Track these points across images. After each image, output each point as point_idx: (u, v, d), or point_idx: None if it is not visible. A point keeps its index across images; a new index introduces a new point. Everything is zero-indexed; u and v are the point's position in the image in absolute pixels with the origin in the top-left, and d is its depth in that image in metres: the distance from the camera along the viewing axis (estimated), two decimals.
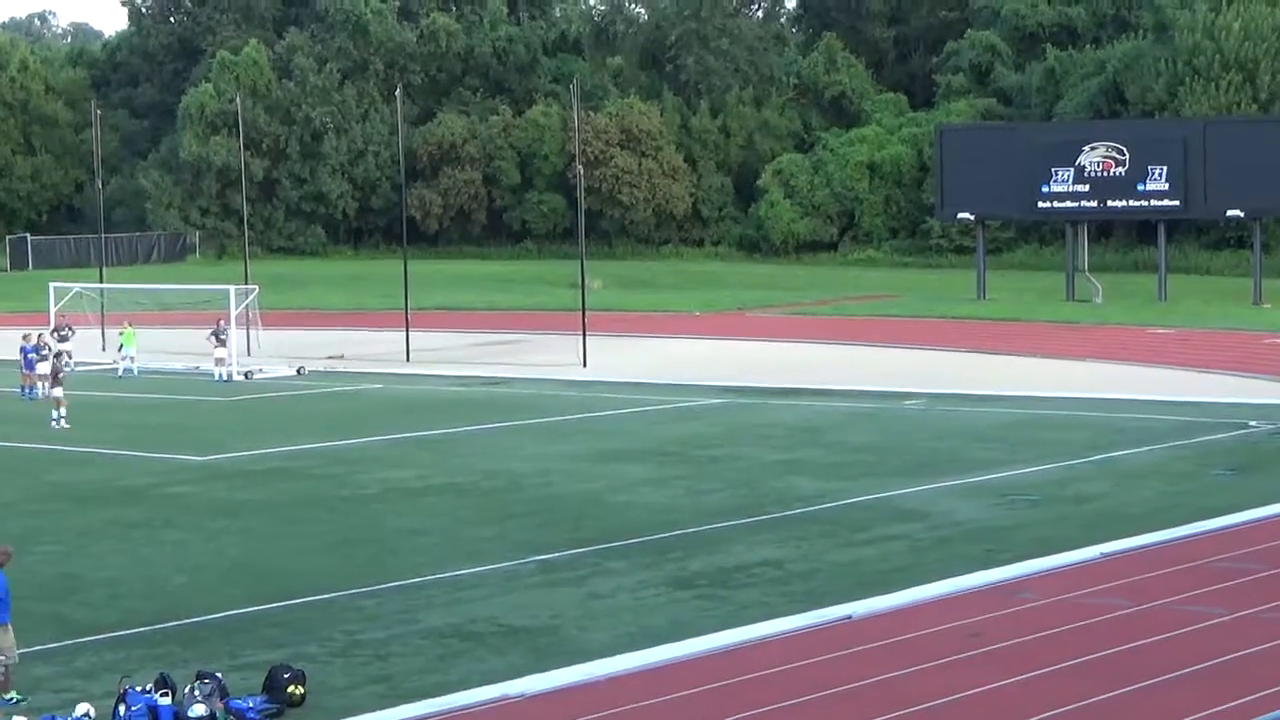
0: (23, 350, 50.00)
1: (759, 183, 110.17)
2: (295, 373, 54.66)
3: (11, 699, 19.19)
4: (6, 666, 19.52)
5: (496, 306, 78.94)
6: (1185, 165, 71.85)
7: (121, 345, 55.55)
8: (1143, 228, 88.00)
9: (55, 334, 55.59)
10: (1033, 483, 32.50)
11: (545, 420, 42.84)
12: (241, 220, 73.27)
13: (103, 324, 61.70)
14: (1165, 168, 72.36)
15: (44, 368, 49.02)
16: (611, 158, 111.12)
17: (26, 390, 49.23)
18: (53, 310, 59.62)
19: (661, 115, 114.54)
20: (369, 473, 34.89)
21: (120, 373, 54.17)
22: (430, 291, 76.51)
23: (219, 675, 19.10)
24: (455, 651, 21.18)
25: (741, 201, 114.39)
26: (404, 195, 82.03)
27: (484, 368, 55.45)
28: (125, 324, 57.26)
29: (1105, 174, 73.59)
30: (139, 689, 18.69)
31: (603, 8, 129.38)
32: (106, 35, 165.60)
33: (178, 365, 56.54)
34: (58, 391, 42.92)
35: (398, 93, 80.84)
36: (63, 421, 42.27)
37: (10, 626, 19.65)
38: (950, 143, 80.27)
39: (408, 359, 57.18)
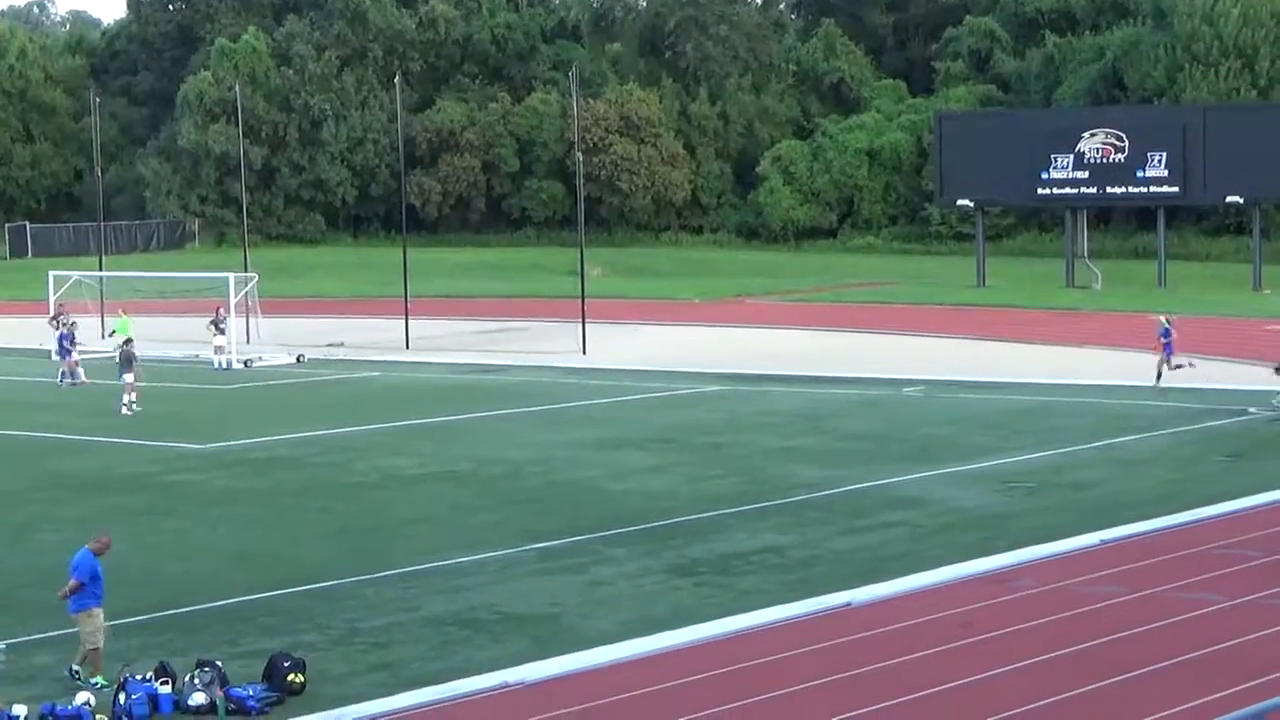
0: (60, 337, 51.23)
1: (758, 169, 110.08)
2: (295, 360, 54.68)
3: (97, 683, 19.21)
4: (97, 649, 19.57)
5: (496, 294, 78.91)
6: (1184, 151, 71.88)
7: (114, 332, 55.75)
8: (1142, 214, 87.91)
9: (54, 321, 55.73)
10: (1032, 470, 32.53)
11: (545, 408, 42.86)
12: (241, 208, 73.29)
13: (101, 312, 61.74)
14: (1165, 154, 72.39)
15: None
16: (611, 145, 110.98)
17: (66, 375, 49.78)
18: (52, 298, 59.63)
19: (660, 102, 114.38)
20: (369, 460, 34.91)
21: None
22: (430, 279, 76.49)
23: (219, 663, 19.11)
24: (455, 639, 21.21)
25: (741, 188, 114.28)
26: (403, 183, 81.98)
27: (483, 355, 55.46)
28: (120, 312, 57.47)
29: (1105, 160, 73.61)
30: (139, 677, 18.72)
31: None
32: (105, 23, 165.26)
33: (177, 353, 56.54)
34: (129, 377, 43.22)
35: (397, 80, 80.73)
36: (134, 406, 42.67)
37: (101, 610, 19.69)
38: (949, 129, 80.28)
39: (407, 346, 57.19)
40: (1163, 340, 43.96)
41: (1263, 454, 34.03)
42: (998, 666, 19.42)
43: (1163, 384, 43.04)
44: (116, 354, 45.69)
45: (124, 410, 42.51)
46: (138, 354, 44.81)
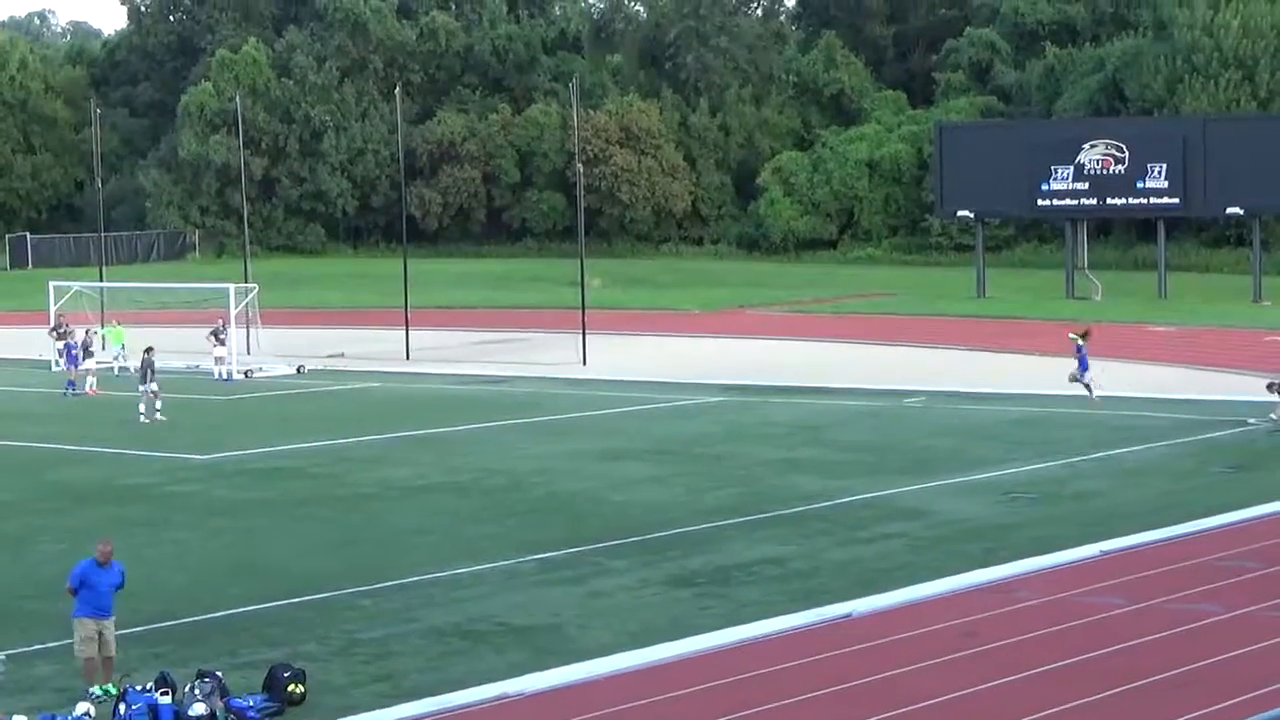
0: (69, 347, 51.51)
1: (758, 181, 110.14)
2: (295, 371, 54.68)
3: (95, 693, 19.17)
4: (90, 659, 19.52)
5: (496, 305, 78.93)
6: (1185, 163, 71.90)
7: (108, 341, 55.87)
8: (1142, 225, 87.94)
9: (53, 332, 55.72)
10: (1033, 481, 32.52)
11: (545, 419, 42.85)
12: (241, 219, 73.28)
13: (102, 323, 61.69)
14: (1165, 165, 72.41)
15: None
16: (611, 156, 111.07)
17: (70, 385, 49.90)
18: (52, 309, 59.61)
19: (661, 113, 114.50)
20: (369, 471, 34.90)
21: (116, 371, 54.17)
22: (430, 290, 76.47)
23: (219, 674, 19.11)
24: (455, 650, 21.20)
25: (741, 199, 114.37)
26: (404, 194, 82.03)
27: (484, 366, 55.45)
28: (113, 322, 57.55)
29: (1105, 171, 73.64)
30: (139, 688, 18.71)
31: (602, 6, 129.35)
32: (106, 34, 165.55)
33: (177, 364, 56.47)
34: (153, 386, 43.35)
35: (397, 91, 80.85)
36: (157, 416, 42.87)
37: (106, 622, 19.62)
38: (950, 140, 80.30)
39: (407, 357, 57.18)
40: (1076, 355, 43.57)
41: (1263, 465, 34.03)
42: (999, 677, 19.40)
43: (1097, 394, 42.46)
44: (138, 362, 45.73)
45: (157, 417, 42.73)
46: (156, 363, 44.81)
